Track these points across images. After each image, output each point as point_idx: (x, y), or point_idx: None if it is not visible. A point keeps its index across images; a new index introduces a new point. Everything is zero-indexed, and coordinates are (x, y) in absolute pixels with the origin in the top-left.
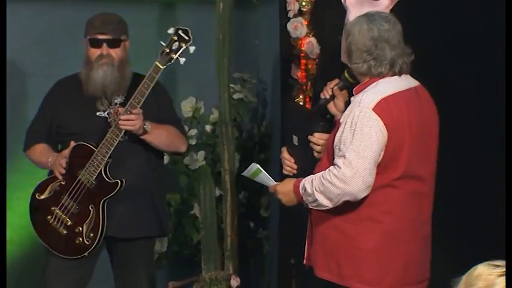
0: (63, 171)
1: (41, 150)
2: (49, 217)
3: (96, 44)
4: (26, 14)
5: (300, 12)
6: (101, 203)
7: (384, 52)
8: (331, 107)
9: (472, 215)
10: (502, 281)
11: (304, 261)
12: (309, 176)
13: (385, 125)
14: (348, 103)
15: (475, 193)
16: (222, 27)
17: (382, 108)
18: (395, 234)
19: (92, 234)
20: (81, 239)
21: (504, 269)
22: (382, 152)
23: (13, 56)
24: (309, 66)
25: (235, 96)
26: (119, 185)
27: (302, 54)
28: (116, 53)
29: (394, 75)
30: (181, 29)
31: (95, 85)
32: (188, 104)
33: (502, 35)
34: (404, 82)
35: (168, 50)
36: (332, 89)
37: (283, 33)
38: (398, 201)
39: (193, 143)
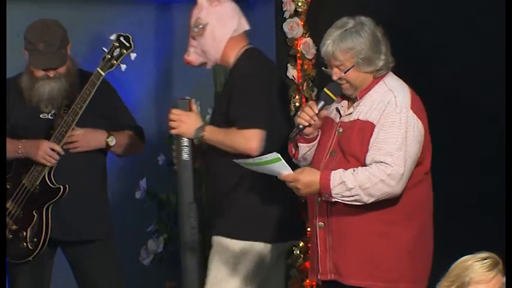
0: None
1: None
2: None
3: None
4: (20, 15)
5: (296, 13)
6: (45, 208)
7: (387, 48)
8: (307, 129)
9: (472, 215)
10: (478, 265)
11: (320, 276)
12: (340, 170)
13: (422, 123)
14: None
15: (475, 193)
16: None
17: (416, 106)
18: (427, 228)
19: (35, 239)
20: (25, 243)
21: (483, 256)
22: (421, 149)
23: (7, 56)
24: (305, 66)
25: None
26: (62, 191)
27: (298, 55)
28: (63, 69)
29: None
30: (122, 36)
31: (41, 97)
32: None
33: (502, 35)
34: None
35: (109, 56)
36: (317, 113)
37: (279, 34)
38: (427, 194)
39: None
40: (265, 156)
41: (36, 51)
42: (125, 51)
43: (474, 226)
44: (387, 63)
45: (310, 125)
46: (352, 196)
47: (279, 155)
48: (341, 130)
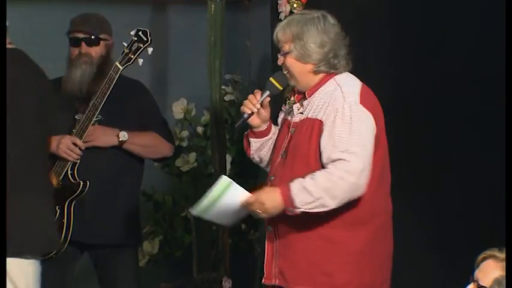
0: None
1: None
2: None
3: (75, 42)
4: (18, 16)
5: (291, 14)
6: (67, 203)
7: (342, 48)
8: (254, 120)
9: (472, 215)
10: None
11: (264, 280)
12: (298, 178)
13: (373, 117)
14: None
15: (475, 193)
16: (213, 29)
17: (365, 100)
18: (383, 231)
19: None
20: None
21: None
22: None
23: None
24: None
25: (227, 97)
26: (81, 186)
27: None
28: (95, 51)
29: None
30: (141, 30)
31: (73, 83)
32: (179, 105)
33: (502, 35)
34: (355, 77)
35: (128, 51)
36: (259, 101)
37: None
38: (381, 195)
39: (185, 145)
40: (216, 187)
41: (73, 23)
42: (141, 45)
43: (474, 226)
44: (328, 62)
45: (253, 113)
46: (317, 200)
47: (228, 178)
48: (293, 130)
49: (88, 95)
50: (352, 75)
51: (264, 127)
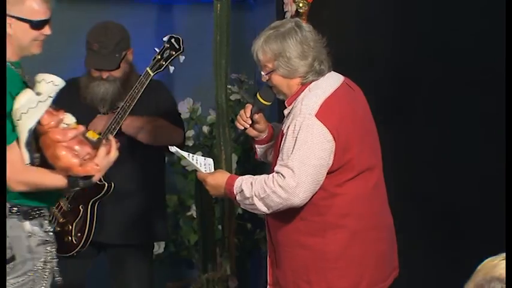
0: None
1: None
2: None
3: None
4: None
5: (297, 14)
6: (90, 203)
7: (323, 51)
8: (251, 132)
9: (472, 215)
10: (504, 262)
11: (268, 286)
12: (246, 176)
13: (329, 129)
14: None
15: (475, 193)
16: (219, 28)
17: (324, 112)
18: (363, 234)
19: (79, 234)
20: (69, 237)
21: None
22: (332, 156)
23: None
24: None
25: (233, 97)
26: (107, 187)
27: None
28: (117, 72)
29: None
30: (174, 38)
31: (94, 97)
32: (185, 105)
33: (501, 35)
34: (334, 78)
35: (159, 57)
36: (249, 117)
37: None
38: (358, 199)
39: (191, 144)
40: (178, 151)
41: (91, 51)
42: (174, 53)
43: (474, 226)
44: (315, 71)
45: (246, 129)
46: (251, 205)
47: (180, 152)
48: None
49: (111, 108)
50: (332, 77)
51: (263, 136)
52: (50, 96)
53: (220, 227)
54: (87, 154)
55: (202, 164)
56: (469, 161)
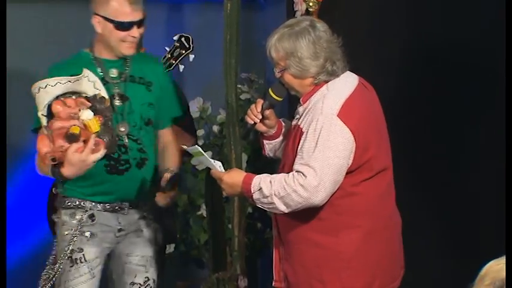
0: None
1: None
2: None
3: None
4: (34, 15)
5: (308, 13)
6: None
7: (337, 51)
8: (260, 127)
9: (472, 216)
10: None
11: (274, 283)
12: (264, 175)
13: (350, 130)
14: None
15: (475, 193)
16: (229, 27)
17: (346, 112)
18: (376, 234)
19: None
20: None
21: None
22: (352, 157)
23: (22, 57)
24: None
25: (243, 96)
26: None
27: None
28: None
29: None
30: (184, 37)
31: None
32: (195, 104)
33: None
34: (351, 79)
35: (169, 56)
36: (260, 112)
37: None
38: (374, 200)
39: (201, 144)
40: (191, 147)
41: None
42: (183, 51)
43: (474, 226)
44: (327, 71)
45: (256, 123)
46: (269, 204)
47: (199, 149)
48: (290, 135)
49: None
50: (349, 77)
51: (272, 132)
52: (60, 82)
53: (230, 226)
54: (61, 147)
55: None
56: (480, 159)
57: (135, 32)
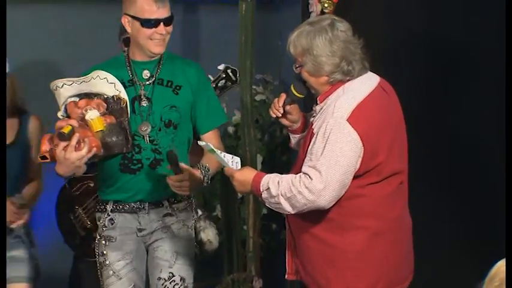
0: None
1: None
2: (70, 214)
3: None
4: (50, 16)
5: (323, 14)
6: None
7: (355, 52)
8: (283, 121)
9: (482, 215)
10: None
11: (287, 275)
12: (273, 175)
13: (359, 135)
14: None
15: (486, 193)
16: (244, 29)
17: (356, 117)
18: (383, 236)
19: None
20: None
21: None
22: (359, 161)
23: (40, 57)
24: None
25: (258, 97)
26: None
27: None
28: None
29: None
30: (230, 69)
31: None
32: None
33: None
34: (370, 81)
35: (214, 86)
36: (282, 106)
37: None
38: (380, 201)
39: None
40: (205, 144)
41: None
42: (229, 84)
43: (474, 226)
44: (342, 71)
45: (278, 117)
46: (276, 204)
47: (211, 146)
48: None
49: None
50: (368, 80)
51: (295, 126)
52: (76, 83)
53: (245, 227)
54: (55, 145)
55: (230, 160)
56: (496, 159)
57: (162, 29)
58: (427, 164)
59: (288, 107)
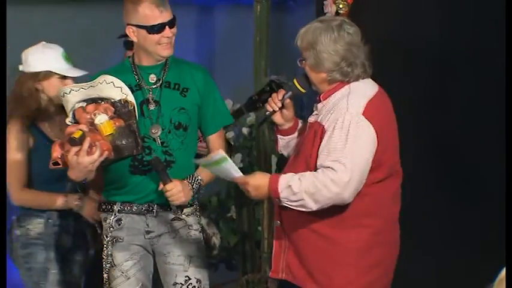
0: None
1: None
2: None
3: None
4: (65, 17)
5: (337, 15)
6: None
7: (358, 56)
8: (277, 118)
9: (492, 216)
10: None
11: (271, 273)
12: (289, 174)
13: (375, 129)
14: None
15: (496, 192)
16: (259, 29)
17: (370, 112)
18: (385, 236)
19: None
20: None
21: None
22: (373, 156)
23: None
24: None
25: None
26: None
27: None
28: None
29: (364, 78)
30: (275, 82)
31: None
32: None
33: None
34: (371, 84)
35: (256, 97)
36: (281, 100)
37: None
38: (384, 201)
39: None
40: (213, 156)
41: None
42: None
43: (473, 226)
44: (341, 71)
45: (274, 112)
46: (298, 201)
47: (225, 155)
48: (307, 131)
49: None
50: (371, 82)
51: (287, 126)
52: (83, 88)
53: (259, 228)
54: (67, 151)
55: (227, 162)
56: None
57: (168, 32)
58: (427, 164)
59: (287, 101)
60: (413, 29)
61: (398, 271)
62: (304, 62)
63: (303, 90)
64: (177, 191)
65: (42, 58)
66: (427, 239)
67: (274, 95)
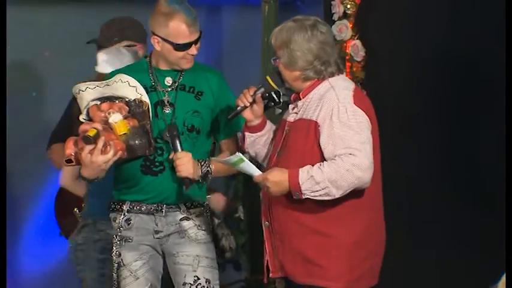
0: None
1: (60, 149)
2: (75, 209)
3: None
4: (74, 18)
5: (345, 15)
6: None
7: (331, 54)
8: (247, 113)
9: (496, 217)
10: None
11: (271, 274)
12: (307, 166)
13: (367, 115)
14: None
15: (498, 193)
16: (267, 30)
17: (358, 102)
18: (375, 227)
19: None
20: None
21: None
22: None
23: (62, 58)
24: (354, 69)
25: (280, 99)
26: None
27: (347, 57)
28: None
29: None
30: (274, 91)
31: None
32: None
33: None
34: (348, 79)
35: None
36: (252, 96)
37: None
38: (374, 195)
39: None
40: (230, 158)
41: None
42: (272, 104)
43: (473, 226)
44: (314, 69)
45: (245, 107)
46: (322, 189)
47: (242, 156)
48: (288, 130)
49: None
50: (347, 78)
51: (256, 122)
52: (99, 86)
53: None
54: (80, 149)
55: (244, 163)
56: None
57: (194, 50)
58: (428, 164)
59: (257, 96)
60: (420, 29)
61: (398, 271)
62: (278, 60)
63: (275, 87)
64: (186, 160)
65: None
66: (427, 239)
67: (245, 90)
